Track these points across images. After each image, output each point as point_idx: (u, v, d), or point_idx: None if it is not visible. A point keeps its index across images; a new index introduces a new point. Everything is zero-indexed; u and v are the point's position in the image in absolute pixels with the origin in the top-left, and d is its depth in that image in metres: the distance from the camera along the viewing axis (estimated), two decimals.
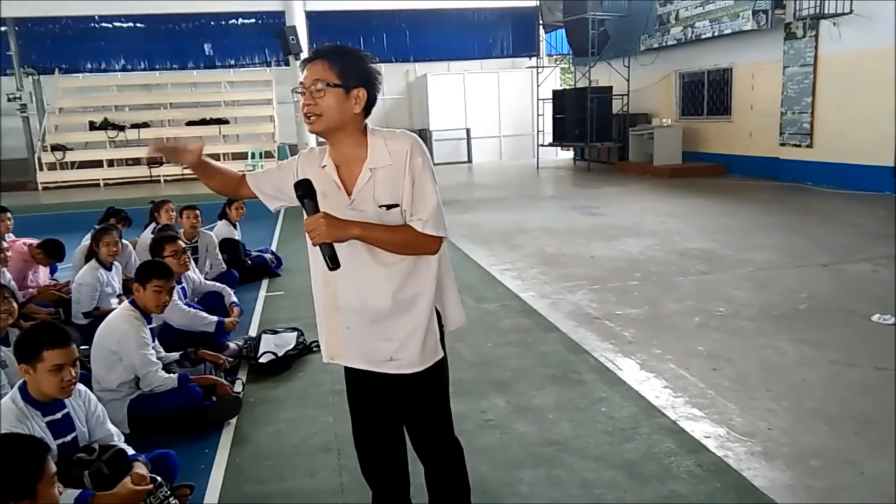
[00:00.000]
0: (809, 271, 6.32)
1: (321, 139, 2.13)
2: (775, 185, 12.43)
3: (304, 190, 2.03)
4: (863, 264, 6.45)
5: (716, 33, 13.89)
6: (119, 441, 2.84)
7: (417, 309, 2.15)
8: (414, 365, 2.17)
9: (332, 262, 2.01)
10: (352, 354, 2.25)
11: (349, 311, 2.17)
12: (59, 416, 2.65)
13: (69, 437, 2.67)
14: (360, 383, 2.31)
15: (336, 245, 2.00)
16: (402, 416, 2.35)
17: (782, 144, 12.78)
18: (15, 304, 3.82)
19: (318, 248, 2.00)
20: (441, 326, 2.23)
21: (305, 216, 1.99)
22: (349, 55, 2.05)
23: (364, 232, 2.01)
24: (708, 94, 15.18)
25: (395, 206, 2.06)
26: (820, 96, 11.87)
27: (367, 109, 2.08)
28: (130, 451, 2.75)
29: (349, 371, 2.32)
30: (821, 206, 10.01)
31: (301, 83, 2.04)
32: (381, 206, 2.06)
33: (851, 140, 11.24)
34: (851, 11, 10.88)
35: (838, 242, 7.46)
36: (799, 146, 12.39)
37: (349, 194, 2.09)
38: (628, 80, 16.96)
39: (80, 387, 2.78)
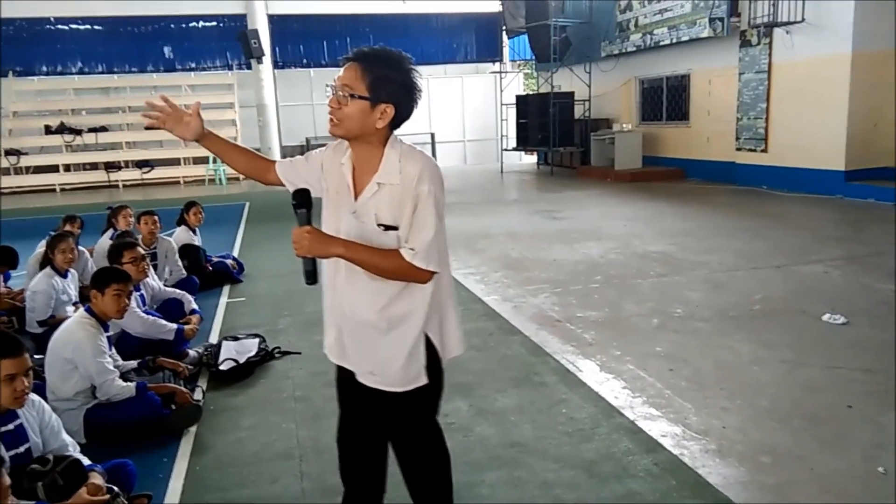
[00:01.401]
0: (764, 273, 6.49)
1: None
2: (732, 188, 12.72)
3: (300, 199, 2.01)
4: (815, 266, 6.64)
5: (674, 40, 14.17)
6: (74, 451, 2.79)
7: (404, 330, 2.10)
8: (393, 385, 2.14)
9: (310, 278, 2.00)
10: (343, 356, 2.25)
11: (343, 316, 2.17)
12: (11, 427, 2.59)
13: (22, 449, 2.62)
14: (347, 382, 2.27)
15: None
16: (384, 428, 2.31)
17: (738, 149, 13.09)
18: None
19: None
20: (435, 354, 2.16)
21: (295, 226, 1.97)
22: (388, 66, 1.96)
23: (348, 252, 1.97)
24: (667, 100, 15.48)
25: (394, 228, 2.00)
26: (774, 102, 12.19)
27: (396, 123, 2.02)
28: (86, 461, 2.71)
29: (339, 368, 2.30)
30: (775, 210, 10.28)
31: (334, 80, 1.98)
32: (379, 225, 2.01)
33: (804, 145, 11.56)
34: (803, 20, 11.20)
35: (792, 244, 7.67)
36: (754, 151, 12.71)
37: (356, 199, 2.06)
38: (590, 86, 17.19)
39: (34, 397, 2.73)
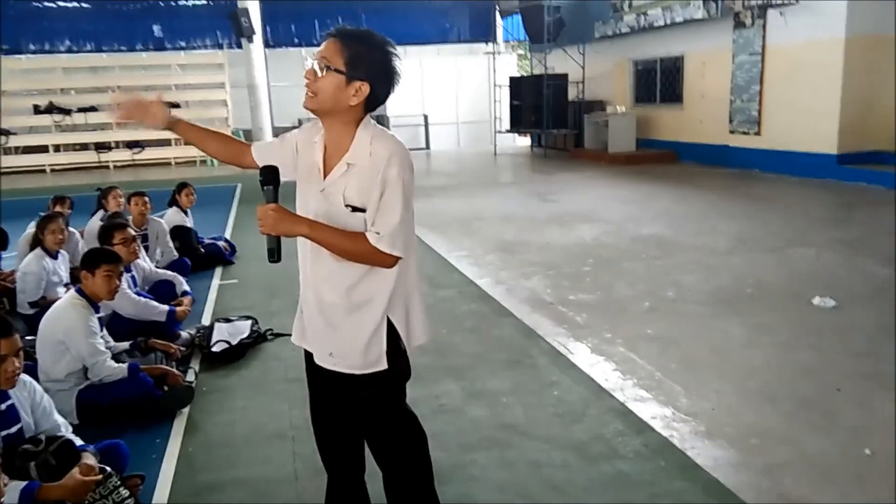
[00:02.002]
0: (757, 256, 6.52)
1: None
2: (725, 171, 12.73)
3: (267, 176, 1.99)
4: (807, 249, 6.67)
5: (668, 21, 14.09)
6: (67, 432, 2.79)
7: (367, 312, 2.09)
8: (352, 367, 2.12)
9: (273, 255, 2.00)
10: (303, 336, 2.26)
11: (305, 297, 2.19)
12: (3, 407, 2.59)
13: (14, 429, 2.62)
14: (313, 367, 2.27)
15: None
16: (349, 411, 2.28)
17: (732, 132, 13.08)
18: None
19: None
20: (399, 341, 2.14)
21: (259, 203, 1.97)
22: (368, 45, 1.95)
23: (312, 232, 1.97)
24: (660, 82, 15.42)
25: (362, 210, 1.99)
26: (767, 85, 12.17)
27: (371, 105, 2.00)
28: (78, 442, 2.71)
29: (306, 353, 2.29)
30: (768, 193, 10.30)
31: (315, 54, 1.98)
32: (346, 206, 2.00)
33: (797, 128, 11.56)
34: (797, 2, 11.16)
35: (784, 228, 7.70)
36: (747, 133, 12.70)
37: (324, 179, 2.05)
38: (583, 68, 17.12)
39: (25, 377, 2.72)
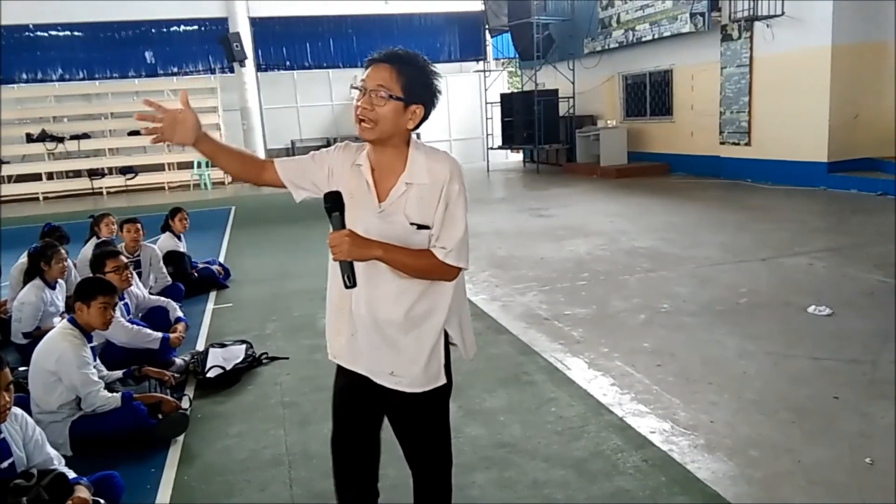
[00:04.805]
0: (749, 266, 6.53)
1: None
2: (716, 182, 12.79)
3: (333, 202, 1.95)
4: (800, 258, 6.68)
5: (656, 36, 14.23)
6: (59, 465, 2.76)
7: (427, 328, 2.10)
8: (414, 385, 2.12)
9: (350, 281, 1.96)
10: (355, 359, 2.20)
11: (359, 317, 2.13)
12: None
13: (6, 464, 2.58)
14: (355, 387, 2.22)
15: None
16: (398, 432, 2.28)
17: (722, 143, 13.17)
18: None
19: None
20: (448, 354, 2.17)
21: (331, 230, 1.93)
22: (419, 68, 1.98)
23: (386, 254, 1.95)
24: (650, 96, 15.53)
25: (426, 227, 2.01)
26: (756, 96, 12.27)
27: (419, 124, 2.04)
28: (72, 475, 2.68)
29: (345, 374, 2.24)
30: (760, 202, 10.34)
31: (362, 81, 1.96)
32: (411, 224, 2.01)
33: (787, 137, 11.64)
34: (783, 13, 11.28)
35: (777, 237, 7.71)
36: (738, 144, 12.78)
37: (380, 200, 2.03)
38: (573, 83, 17.23)
39: (17, 411, 2.69)
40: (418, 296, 2.08)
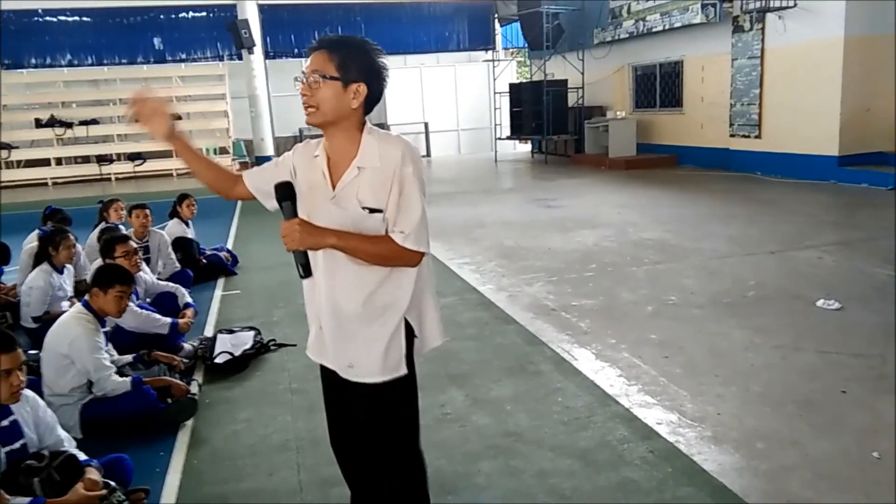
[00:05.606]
0: (758, 259, 6.51)
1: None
2: (726, 175, 12.73)
3: (282, 192, 1.99)
4: (809, 251, 6.66)
5: (666, 26, 14.13)
6: (70, 447, 2.78)
7: (386, 318, 2.07)
8: (372, 375, 2.08)
9: (304, 271, 1.98)
10: (322, 353, 2.21)
11: (321, 309, 2.13)
12: (6, 422, 2.58)
13: (17, 445, 2.61)
14: (329, 381, 2.24)
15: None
16: (364, 425, 2.22)
17: (732, 135, 13.09)
18: None
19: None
20: (411, 345, 2.13)
21: (282, 220, 1.95)
22: (353, 47, 1.98)
23: (340, 241, 1.95)
24: (660, 87, 15.45)
25: (378, 211, 2.00)
26: (767, 88, 12.18)
27: (369, 105, 2.02)
28: (82, 457, 2.70)
29: (322, 368, 2.26)
30: (769, 195, 10.29)
31: (302, 72, 1.99)
32: (363, 208, 1.99)
33: (797, 130, 11.57)
34: (795, 5, 11.19)
35: (786, 230, 7.68)
36: (748, 137, 12.71)
37: (333, 188, 2.04)
38: (583, 74, 17.14)
39: (29, 392, 2.72)
40: (377, 285, 2.05)
